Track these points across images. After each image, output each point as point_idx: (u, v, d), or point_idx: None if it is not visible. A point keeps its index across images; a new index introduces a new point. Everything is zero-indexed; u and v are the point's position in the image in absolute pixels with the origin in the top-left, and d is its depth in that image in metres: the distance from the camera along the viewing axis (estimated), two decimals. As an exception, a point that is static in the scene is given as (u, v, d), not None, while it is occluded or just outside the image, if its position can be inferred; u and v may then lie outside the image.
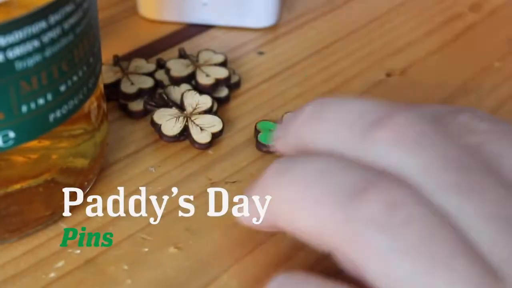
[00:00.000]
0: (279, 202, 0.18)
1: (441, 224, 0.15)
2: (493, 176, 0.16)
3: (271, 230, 0.20)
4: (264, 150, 0.26)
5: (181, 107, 0.27)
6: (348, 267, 0.17)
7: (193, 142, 0.26)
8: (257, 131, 0.27)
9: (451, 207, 0.16)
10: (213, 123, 0.26)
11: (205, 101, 0.27)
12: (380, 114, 0.17)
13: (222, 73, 0.29)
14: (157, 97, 0.28)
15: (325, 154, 0.18)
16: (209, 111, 0.27)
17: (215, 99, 0.28)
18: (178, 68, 0.29)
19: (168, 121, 0.26)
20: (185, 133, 0.26)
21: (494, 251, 0.15)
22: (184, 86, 0.28)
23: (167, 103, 0.27)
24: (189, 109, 0.27)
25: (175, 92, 0.28)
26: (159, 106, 0.27)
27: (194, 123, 0.26)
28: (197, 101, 0.27)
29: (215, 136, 0.26)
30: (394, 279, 0.15)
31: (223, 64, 0.30)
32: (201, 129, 0.26)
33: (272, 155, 0.26)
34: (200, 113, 0.27)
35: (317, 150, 0.19)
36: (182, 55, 0.30)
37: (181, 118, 0.26)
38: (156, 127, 0.26)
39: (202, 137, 0.26)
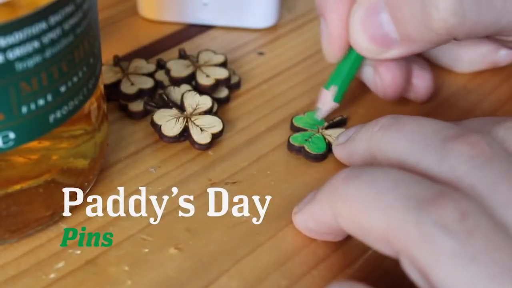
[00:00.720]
0: (349, 205, 0.18)
1: (506, 235, 0.16)
2: None
3: (326, 237, 0.21)
4: (294, 151, 0.26)
5: (181, 107, 0.27)
6: (412, 275, 0.17)
7: (193, 142, 0.26)
8: (292, 128, 0.27)
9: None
10: (213, 124, 0.26)
11: (205, 101, 0.27)
12: (454, 131, 0.19)
13: (222, 73, 0.29)
14: (157, 97, 0.28)
15: (394, 166, 0.19)
16: (209, 112, 0.27)
17: (215, 99, 0.28)
18: (178, 68, 0.29)
19: (168, 122, 0.26)
20: (185, 133, 0.26)
21: None
22: (184, 87, 0.28)
23: (167, 103, 0.27)
24: (189, 109, 0.27)
25: (175, 93, 0.28)
26: (159, 106, 0.27)
27: (194, 123, 0.26)
28: (197, 101, 0.27)
29: (215, 137, 0.26)
30: (458, 283, 0.16)
31: (223, 64, 0.30)
32: (201, 129, 0.26)
33: (275, 156, 0.26)
34: (200, 113, 0.27)
35: (387, 161, 0.20)
36: (182, 55, 0.30)
37: (181, 119, 0.26)
38: (156, 127, 0.26)
39: (202, 138, 0.26)
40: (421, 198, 0.17)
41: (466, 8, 0.22)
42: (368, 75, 0.27)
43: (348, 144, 0.23)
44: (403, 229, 0.17)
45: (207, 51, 0.31)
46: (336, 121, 0.27)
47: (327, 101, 0.27)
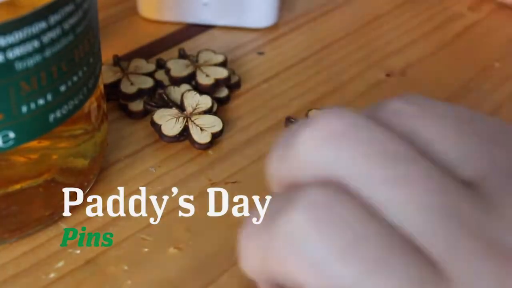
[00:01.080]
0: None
1: (371, 222, 0.14)
2: (423, 164, 0.15)
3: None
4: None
5: (181, 107, 0.27)
6: None
7: (193, 142, 0.26)
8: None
9: (381, 201, 0.14)
10: (213, 124, 0.26)
11: (205, 101, 0.27)
12: (307, 119, 0.16)
13: (222, 73, 0.29)
14: (157, 97, 0.28)
15: None
16: (209, 111, 0.27)
17: (215, 99, 0.28)
18: (178, 68, 0.29)
19: (168, 122, 0.26)
20: (185, 133, 0.26)
21: (431, 242, 0.14)
22: (184, 86, 0.28)
23: (167, 103, 0.27)
24: (189, 109, 0.27)
25: (175, 92, 0.28)
26: (159, 106, 0.27)
27: (194, 123, 0.26)
28: (197, 101, 0.27)
29: (215, 136, 0.26)
30: None
31: (223, 64, 0.30)
32: (201, 129, 0.26)
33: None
34: (200, 113, 0.27)
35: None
36: (182, 55, 0.30)
37: (181, 119, 0.26)
38: (156, 127, 0.26)
39: (202, 137, 0.26)
40: (272, 214, 0.15)
41: None
42: None
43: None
44: (262, 250, 0.16)
45: (207, 50, 0.31)
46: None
47: None
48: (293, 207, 0.14)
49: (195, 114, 0.27)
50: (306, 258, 0.14)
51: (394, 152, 0.15)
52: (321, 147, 0.15)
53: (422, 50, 0.33)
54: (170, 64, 0.29)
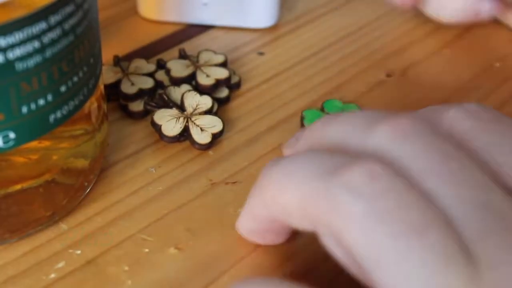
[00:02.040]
0: (270, 188, 0.19)
1: (419, 197, 0.16)
2: (474, 166, 0.17)
3: (268, 238, 0.21)
4: None
5: (181, 107, 0.27)
6: (331, 247, 0.17)
7: (193, 142, 0.26)
8: (302, 118, 0.27)
9: (432, 188, 0.17)
10: (214, 124, 0.26)
11: (206, 101, 0.27)
12: (384, 116, 0.19)
13: (222, 73, 0.29)
14: (157, 97, 0.28)
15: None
16: (209, 112, 0.27)
17: (215, 99, 0.28)
18: (178, 68, 0.29)
19: (169, 122, 0.26)
20: (185, 133, 0.26)
21: (468, 228, 0.16)
22: (185, 87, 0.28)
23: (167, 103, 0.27)
24: (189, 109, 0.27)
25: (175, 93, 0.28)
26: (159, 106, 0.27)
27: (194, 123, 0.26)
28: (198, 101, 0.27)
29: (216, 137, 0.26)
30: (369, 244, 0.16)
31: (224, 64, 0.30)
32: (202, 129, 0.26)
33: (275, 155, 0.26)
34: (200, 113, 0.27)
35: (322, 145, 0.20)
36: (182, 55, 0.30)
37: (181, 119, 0.26)
38: (157, 127, 0.26)
39: (202, 138, 0.26)
40: (333, 166, 0.17)
41: None
42: None
43: (294, 144, 0.23)
44: (315, 198, 0.17)
45: (207, 51, 0.31)
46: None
47: None
48: (357, 166, 0.17)
49: (195, 114, 0.27)
50: (356, 213, 0.16)
51: (451, 153, 0.17)
52: (392, 139, 0.18)
53: (422, 50, 0.33)
54: (171, 65, 0.29)
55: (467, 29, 0.35)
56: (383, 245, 0.15)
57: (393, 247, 0.15)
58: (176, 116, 0.26)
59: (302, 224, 0.18)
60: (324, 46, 0.33)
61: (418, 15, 0.36)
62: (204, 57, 0.30)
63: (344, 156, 0.18)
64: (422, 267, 0.15)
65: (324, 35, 0.34)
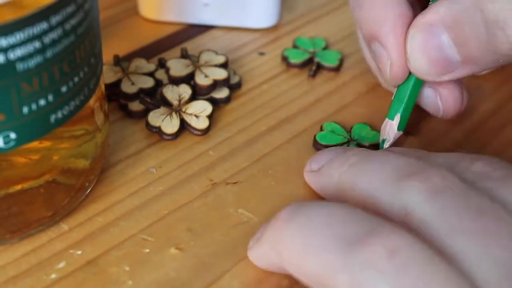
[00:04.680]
0: (288, 248, 0.19)
1: (442, 267, 0.16)
2: (504, 221, 0.17)
3: (280, 271, 0.21)
4: (319, 148, 0.26)
5: (166, 103, 0.27)
6: None
7: (193, 129, 0.27)
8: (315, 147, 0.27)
9: (460, 250, 0.17)
10: (204, 107, 0.27)
11: (185, 90, 0.28)
12: (412, 168, 0.19)
13: (221, 74, 0.29)
14: (145, 99, 0.28)
15: (358, 204, 0.20)
16: (192, 98, 0.28)
17: (215, 99, 0.28)
18: (178, 68, 0.29)
19: (164, 121, 0.27)
20: (184, 125, 0.27)
21: None
22: (183, 86, 0.28)
23: (154, 104, 0.27)
24: (174, 102, 0.27)
25: (172, 91, 0.28)
26: (157, 105, 0.27)
27: (186, 113, 0.27)
28: (178, 92, 0.28)
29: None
30: None
31: (224, 65, 0.30)
32: (196, 116, 0.27)
33: (276, 156, 0.26)
34: (186, 102, 0.27)
35: (353, 199, 0.21)
36: (184, 55, 0.30)
37: (173, 114, 0.27)
38: (155, 129, 0.26)
39: (200, 123, 0.27)
40: (351, 238, 0.17)
41: None
42: (428, 97, 0.26)
43: (320, 176, 0.23)
44: (334, 271, 0.17)
45: (208, 51, 0.31)
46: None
47: (392, 131, 0.26)
48: (377, 238, 0.17)
49: (183, 104, 0.27)
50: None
51: (480, 208, 0.18)
52: (421, 195, 0.18)
53: (422, 50, 0.33)
54: (171, 64, 0.29)
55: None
56: None
57: None
58: (168, 113, 0.27)
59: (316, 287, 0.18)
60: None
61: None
62: (205, 57, 0.30)
63: (364, 220, 0.18)
64: None
65: (324, 35, 0.34)
